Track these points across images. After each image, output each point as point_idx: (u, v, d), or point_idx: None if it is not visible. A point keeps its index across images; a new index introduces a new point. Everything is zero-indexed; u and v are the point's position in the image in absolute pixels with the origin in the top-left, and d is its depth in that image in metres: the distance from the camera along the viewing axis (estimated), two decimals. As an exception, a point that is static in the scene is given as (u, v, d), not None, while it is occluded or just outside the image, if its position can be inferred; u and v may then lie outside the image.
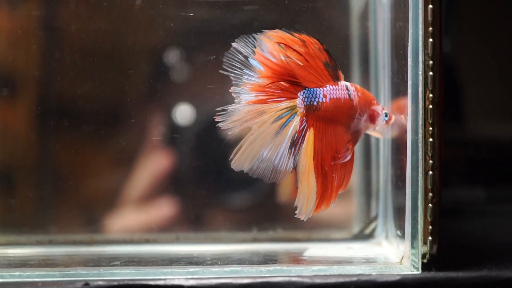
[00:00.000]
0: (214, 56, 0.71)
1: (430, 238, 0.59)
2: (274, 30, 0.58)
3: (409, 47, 0.60)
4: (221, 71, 0.57)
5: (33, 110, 0.72)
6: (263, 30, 0.58)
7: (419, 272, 0.59)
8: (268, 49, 0.57)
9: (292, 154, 0.57)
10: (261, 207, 0.73)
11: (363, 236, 0.72)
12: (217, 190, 0.72)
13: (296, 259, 0.66)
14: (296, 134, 0.57)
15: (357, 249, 0.69)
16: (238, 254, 0.67)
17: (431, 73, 0.60)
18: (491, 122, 1.15)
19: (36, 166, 0.73)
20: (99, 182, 0.73)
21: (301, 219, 0.58)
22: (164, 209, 0.72)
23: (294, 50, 0.57)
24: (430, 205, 0.59)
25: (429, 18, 0.60)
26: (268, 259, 0.65)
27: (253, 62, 0.57)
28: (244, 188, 0.72)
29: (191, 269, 0.59)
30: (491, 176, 0.99)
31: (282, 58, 0.57)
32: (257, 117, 0.57)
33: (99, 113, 0.72)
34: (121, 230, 0.72)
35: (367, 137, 0.73)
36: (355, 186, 0.74)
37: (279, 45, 0.57)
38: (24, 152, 0.73)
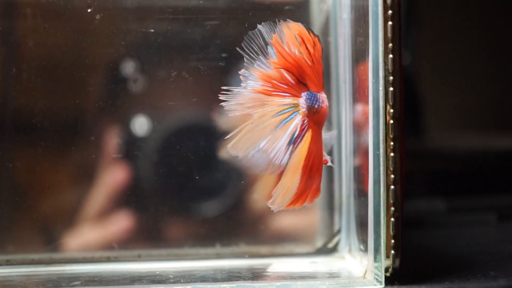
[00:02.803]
0: (175, 73, 0.71)
1: (392, 252, 0.60)
2: (296, 23, 0.59)
3: (369, 63, 0.61)
4: (238, 49, 0.59)
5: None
6: (286, 19, 0.59)
7: (382, 286, 0.59)
8: (286, 39, 0.58)
9: (288, 151, 0.58)
10: (224, 222, 0.72)
11: (327, 250, 0.72)
12: (179, 202, 0.72)
13: (260, 275, 0.65)
14: (297, 132, 0.58)
15: (321, 264, 0.69)
16: (201, 271, 0.67)
17: (391, 88, 0.60)
18: (451, 133, 1.17)
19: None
20: (57, 199, 0.72)
21: (271, 209, 0.59)
22: (122, 222, 0.71)
23: (307, 48, 0.58)
24: (392, 219, 0.60)
25: (389, 35, 0.61)
26: (232, 275, 0.65)
27: (270, 50, 0.58)
28: (206, 200, 0.72)
29: (154, 287, 0.58)
30: (451, 187, 1.01)
31: (296, 52, 0.58)
32: (259, 107, 0.58)
33: (56, 129, 0.71)
34: (80, 247, 0.71)
35: (330, 151, 0.73)
36: (318, 200, 0.74)
37: (296, 38, 0.58)
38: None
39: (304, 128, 0.59)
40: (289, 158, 0.58)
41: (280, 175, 0.59)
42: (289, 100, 0.58)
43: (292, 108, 0.58)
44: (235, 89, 0.58)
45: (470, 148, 1.10)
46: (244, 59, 0.58)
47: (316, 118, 0.59)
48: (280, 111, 0.58)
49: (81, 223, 0.71)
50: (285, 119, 0.58)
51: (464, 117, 1.22)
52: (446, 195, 0.97)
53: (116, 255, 0.71)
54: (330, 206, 0.74)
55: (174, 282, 0.61)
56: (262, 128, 0.58)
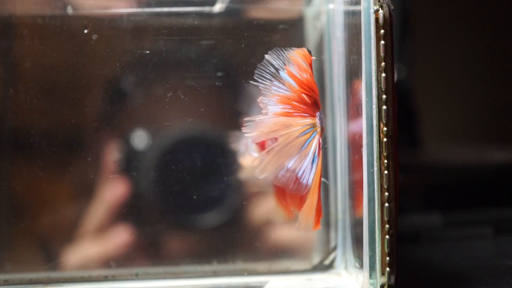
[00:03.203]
0: (170, 94, 0.72)
1: (388, 269, 0.60)
2: (301, 49, 0.60)
3: (363, 81, 0.62)
4: (252, 82, 0.60)
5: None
6: (292, 48, 0.60)
7: (378, 303, 0.60)
8: (294, 64, 0.60)
9: (312, 170, 0.59)
10: (221, 239, 0.73)
11: (323, 267, 0.73)
12: (175, 219, 0.72)
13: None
14: (317, 151, 0.60)
15: (317, 281, 0.70)
16: (199, 288, 0.67)
17: (384, 106, 0.61)
18: (447, 146, 1.17)
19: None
20: (56, 216, 0.72)
21: (298, 231, 0.60)
22: (120, 237, 0.71)
23: (312, 70, 0.60)
24: (387, 236, 0.60)
25: (381, 54, 0.61)
26: (230, 293, 0.65)
27: (283, 75, 0.59)
28: (204, 215, 0.72)
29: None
30: (447, 201, 1.01)
31: (305, 76, 0.60)
32: (283, 129, 0.59)
33: (54, 147, 0.71)
34: (79, 263, 0.71)
35: (326, 168, 0.74)
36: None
37: (304, 63, 0.60)
38: None
39: (320, 147, 0.60)
40: (313, 178, 0.59)
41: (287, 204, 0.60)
42: (309, 120, 0.60)
43: (312, 128, 0.60)
44: (257, 118, 0.59)
45: (466, 161, 1.10)
46: (260, 88, 0.60)
47: (321, 137, 0.61)
48: (303, 131, 0.60)
49: (80, 239, 0.71)
50: (308, 138, 0.60)
51: (460, 130, 1.23)
52: (442, 209, 0.97)
53: (113, 273, 0.71)
54: (326, 223, 0.74)
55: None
56: (289, 149, 0.59)
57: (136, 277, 0.71)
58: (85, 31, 0.71)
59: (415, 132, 1.13)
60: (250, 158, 0.68)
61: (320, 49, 0.75)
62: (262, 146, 0.65)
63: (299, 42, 0.77)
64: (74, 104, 0.72)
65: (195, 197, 0.72)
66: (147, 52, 0.72)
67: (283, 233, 0.74)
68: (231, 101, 0.73)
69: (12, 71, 0.72)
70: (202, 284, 0.69)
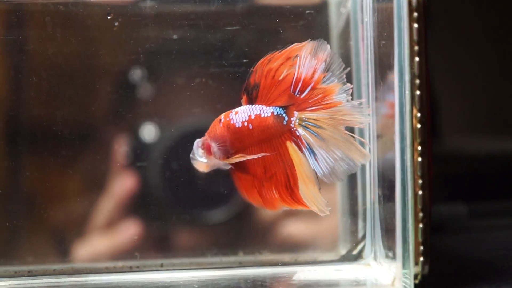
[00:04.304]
0: (185, 80, 0.70)
1: (421, 258, 0.59)
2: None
3: (395, 66, 0.60)
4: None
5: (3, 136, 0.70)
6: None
7: (413, 293, 0.58)
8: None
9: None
10: (246, 229, 0.72)
11: (351, 257, 0.71)
12: (199, 210, 0.71)
13: (286, 283, 0.64)
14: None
15: (346, 271, 0.68)
16: (225, 279, 0.66)
17: (418, 92, 0.59)
18: (470, 136, 1.16)
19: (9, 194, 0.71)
20: (72, 207, 0.71)
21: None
22: (130, 230, 0.70)
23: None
24: (421, 225, 0.59)
25: (415, 37, 0.60)
26: (257, 284, 0.64)
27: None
28: (224, 207, 0.71)
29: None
30: (472, 192, 0.99)
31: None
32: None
33: (65, 139, 0.70)
34: (89, 257, 0.70)
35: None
36: (340, 207, 0.73)
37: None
38: (10, 179, 0.71)
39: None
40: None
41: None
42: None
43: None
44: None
45: (490, 151, 1.09)
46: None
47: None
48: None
49: (90, 232, 0.70)
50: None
51: (485, 119, 1.21)
52: (467, 200, 0.96)
53: (138, 264, 0.70)
54: (353, 213, 0.73)
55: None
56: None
57: (161, 268, 0.70)
58: (109, 17, 0.70)
59: (437, 121, 1.11)
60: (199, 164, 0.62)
61: (346, 35, 0.74)
62: (208, 150, 0.61)
63: (322, 29, 0.75)
64: (86, 93, 0.71)
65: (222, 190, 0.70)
66: (173, 37, 0.70)
67: (307, 224, 0.73)
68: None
69: (28, 59, 0.71)
70: (229, 275, 0.68)
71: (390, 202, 0.63)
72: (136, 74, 0.71)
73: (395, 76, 0.60)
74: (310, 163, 0.56)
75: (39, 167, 0.70)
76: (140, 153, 0.71)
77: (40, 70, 0.70)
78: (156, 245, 0.71)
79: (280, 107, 0.56)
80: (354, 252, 0.71)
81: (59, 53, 0.70)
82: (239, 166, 0.57)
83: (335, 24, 0.74)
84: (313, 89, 0.56)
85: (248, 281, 0.65)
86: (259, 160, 0.56)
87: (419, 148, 0.59)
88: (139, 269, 0.70)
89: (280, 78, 0.56)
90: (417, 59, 0.59)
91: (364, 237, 0.71)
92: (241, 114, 0.56)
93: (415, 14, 0.60)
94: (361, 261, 0.70)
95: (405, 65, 0.60)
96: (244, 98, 0.57)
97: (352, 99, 0.57)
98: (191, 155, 0.57)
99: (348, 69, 0.57)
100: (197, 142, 0.56)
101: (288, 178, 0.56)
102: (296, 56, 0.56)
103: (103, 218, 0.70)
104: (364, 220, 0.71)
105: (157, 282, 0.66)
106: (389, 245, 0.63)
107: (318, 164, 0.56)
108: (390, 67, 0.62)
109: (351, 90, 0.57)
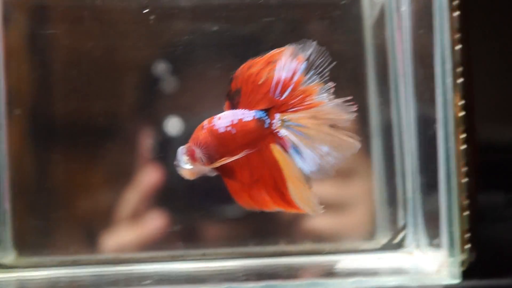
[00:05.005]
0: (209, 73, 0.71)
1: (468, 245, 0.59)
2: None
3: (436, 55, 0.60)
4: None
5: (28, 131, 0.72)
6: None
7: (460, 280, 0.58)
8: None
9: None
10: (287, 219, 0.72)
11: (392, 246, 0.71)
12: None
13: (331, 272, 0.65)
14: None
15: (388, 260, 0.68)
16: (269, 268, 0.66)
17: (462, 79, 0.59)
18: (507, 125, 1.15)
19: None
20: (99, 198, 0.72)
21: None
22: (156, 222, 0.71)
23: None
24: (467, 212, 0.59)
25: (456, 25, 0.60)
26: (299, 273, 0.64)
27: None
28: None
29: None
30: (510, 181, 0.99)
31: None
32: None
33: (92, 131, 0.71)
34: (116, 249, 0.71)
35: (390, 145, 0.73)
36: (378, 196, 0.73)
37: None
38: (39, 171, 0.72)
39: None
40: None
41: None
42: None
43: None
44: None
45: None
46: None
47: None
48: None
49: (116, 223, 0.71)
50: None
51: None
52: (504, 189, 0.95)
53: (181, 253, 0.71)
54: (393, 202, 0.73)
55: (246, 280, 0.60)
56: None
57: (203, 257, 0.71)
58: (145, 11, 0.71)
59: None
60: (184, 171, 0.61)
61: (380, 25, 0.74)
62: (192, 156, 0.60)
63: (355, 18, 0.75)
64: (112, 86, 0.72)
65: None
66: (214, 29, 0.71)
67: (347, 213, 0.73)
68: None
69: (50, 53, 0.72)
70: (271, 263, 0.69)
71: (432, 190, 0.63)
72: (164, 67, 0.72)
73: (436, 65, 0.60)
74: (296, 163, 0.56)
75: (73, 160, 0.72)
76: (165, 146, 0.71)
77: (70, 64, 0.71)
78: (198, 236, 0.72)
79: (261, 110, 0.56)
80: (396, 241, 0.72)
81: (89, 46, 0.71)
82: (225, 171, 0.57)
83: (369, 14, 0.74)
84: (293, 90, 0.56)
85: (291, 270, 0.66)
86: (244, 165, 0.57)
87: (463, 135, 0.59)
88: (182, 258, 0.70)
89: (260, 82, 0.56)
90: (459, 46, 0.59)
91: (405, 226, 0.71)
92: (224, 120, 0.56)
93: (456, 1, 0.60)
94: (403, 249, 0.70)
95: (446, 54, 0.60)
96: (227, 103, 0.57)
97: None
98: (175, 163, 0.57)
99: (334, 63, 0.55)
100: (181, 149, 0.56)
101: (275, 180, 0.56)
102: (276, 60, 0.56)
103: (128, 210, 0.71)
104: (405, 208, 0.71)
105: (202, 272, 0.67)
106: (433, 234, 0.63)
107: (305, 162, 0.56)
108: (429, 56, 0.62)
109: (332, 89, 0.56)
